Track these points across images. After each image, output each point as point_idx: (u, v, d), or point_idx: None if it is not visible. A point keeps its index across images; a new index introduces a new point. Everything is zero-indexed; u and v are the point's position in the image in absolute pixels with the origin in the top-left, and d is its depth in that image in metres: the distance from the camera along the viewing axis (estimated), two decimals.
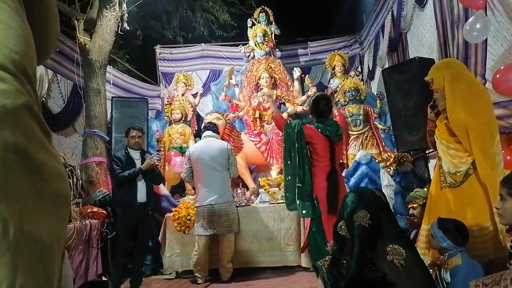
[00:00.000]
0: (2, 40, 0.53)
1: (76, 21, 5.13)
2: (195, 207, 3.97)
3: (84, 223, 3.49)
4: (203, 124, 5.58)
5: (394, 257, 1.79)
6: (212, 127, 4.19)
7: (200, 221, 3.84)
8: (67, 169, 3.19)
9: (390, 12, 6.09)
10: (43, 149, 0.55)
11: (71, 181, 3.19)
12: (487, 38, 3.37)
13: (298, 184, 3.18)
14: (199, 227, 3.86)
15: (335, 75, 6.61)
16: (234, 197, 4.21)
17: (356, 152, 5.17)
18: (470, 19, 3.24)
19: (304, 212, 3.23)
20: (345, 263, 1.93)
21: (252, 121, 5.83)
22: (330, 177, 3.19)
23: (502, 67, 3.06)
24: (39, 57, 0.67)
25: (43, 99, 5.35)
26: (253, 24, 6.89)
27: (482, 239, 2.31)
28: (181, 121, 5.78)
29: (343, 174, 4.84)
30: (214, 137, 4.09)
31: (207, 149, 3.94)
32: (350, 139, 5.49)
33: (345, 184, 4.59)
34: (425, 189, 3.01)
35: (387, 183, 4.11)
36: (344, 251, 2.01)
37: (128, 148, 3.84)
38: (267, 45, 6.56)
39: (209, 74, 7.91)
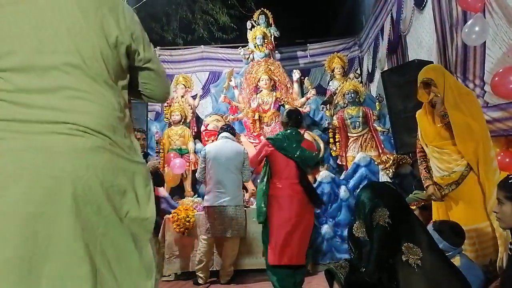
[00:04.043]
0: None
1: None
2: (205, 206, 3.94)
3: None
4: (207, 124, 5.58)
5: (409, 256, 1.63)
6: (230, 129, 4.17)
7: (210, 221, 3.81)
8: None
9: (390, 15, 6.11)
10: None
11: None
12: (485, 41, 3.38)
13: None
14: (209, 227, 3.82)
15: (334, 77, 6.62)
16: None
17: (355, 154, 5.18)
18: (469, 22, 3.25)
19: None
20: (364, 270, 1.72)
21: (251, 123, 5.83)
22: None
23: (501, 70, 3.06)
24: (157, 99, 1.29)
25: None
26: (253, 26, 6.90)
27: (481, 239, 2.32)
28: (181, 122, 5.78)
29: (342, 176, 4.85)
30: (231, 139, 4.07)
31: (224, 150, 3.91)
32: (349, 141, 5.50)
33: (345, 186, 4.60)
34: (424, 192, 3.02)
35: None
36: (362, 256, 1.79)
37: None
38: (266, 47, 6.56)
39: (208, 76, 7.92)
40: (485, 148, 2.39)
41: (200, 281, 3.86)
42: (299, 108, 5.96)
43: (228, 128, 4.19)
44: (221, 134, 4.10)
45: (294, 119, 3.27)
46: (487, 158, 2.39)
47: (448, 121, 2.44)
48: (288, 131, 3.19)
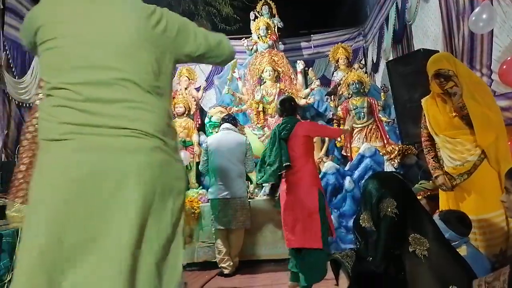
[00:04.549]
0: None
1: None
2: (209, 199, 3.95)
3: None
4: (210, 116, 5.56)
5: (416, 247, 1.63)
6: (232, 119, 4.13)
7: (215, 214, 3.82)
8: None
9: (395, 4, 6.03)
10: None
11: None
12: (493, 29, 3.33)
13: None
14: (215, 221, 3.83)
15: (339, 68, 6.56)
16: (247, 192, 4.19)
17: (360, 145, 5.15)
18: (476, 10, 3.20)
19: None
20: (370, 260, 1.72)
21: (255, 114, 5.81)
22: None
23: (509, 58, 3.03)
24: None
25: None
26: (256, 17, 6.84)
27: (492, 228, 2.30)
28: (184, 115, 5.78)
29: (347, 167, 4.83)
30: (232, 130, 4.02)
31: (225, 142, 3.88)
32: (354, 132, 5.47)
33: (349, 177, 4.58)
34: (431, 182, 3.00)
35: None
36: (368, 247, 1.78)
37: None
38: (270, 38, 6.52)
39: (212, 68, 7.88)
40: (503, 138, 2.37)
41: (226, 271, 3.82)
42: (303, 99, 5.96)
43: (230, 118, 4.14)
44: (222, 126, 4.06)
45: (288, 107, 3.24)
46: (505, 148, 2.37)
47: (466, 113, 2.38)
48: (286, 119, 3.19)
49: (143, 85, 1.19)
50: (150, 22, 1.24)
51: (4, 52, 4.67)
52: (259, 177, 3.34)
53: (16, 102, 4.85)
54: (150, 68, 1.22)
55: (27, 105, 5.03)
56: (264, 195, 4.65)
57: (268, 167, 3.14)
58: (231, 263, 3.86)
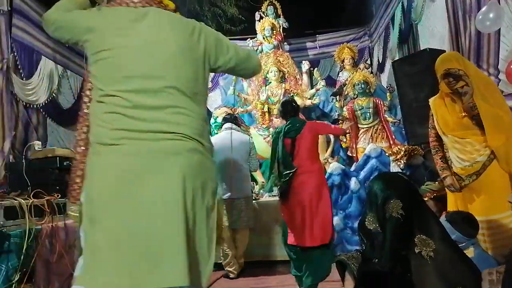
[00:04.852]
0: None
1: None
2: None
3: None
4: (216, 116, 5.57)
5: (422, 248, 1.62)
6: (234, 119, 4.10)
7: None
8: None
9: (401, 3, 6.00)
10: None
11: None
12: (500, 28, 3.30)
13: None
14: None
15: (344, 68, 6.55)
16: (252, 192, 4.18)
17: (365, 145, 5.13)
18: (483, 8, 3.18)
19: None
20: (376, 261, 1.71)
21: (260, 115, 5.82)
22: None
23: None
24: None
25: (53, 94, 5.40)
26: (261, 18, 6.85)
27: (501, 229, 2.28)
28: None
29: (353, 168, 4.82)
30: (235, 129, 3.99)
31: (229, 141, 3.80)
32: (360, 132, 5.46)
33: (355, 178, 4.57)
34: (437, 183, 2.98)
35: None
36: (375, 248, 1.77)
37: None
38: (275, 39, 6.52)
39: None
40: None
41: (232, 275, 3.79)
42: (308, 99, 5.95)
43: (232, 118, 4.12)
44: (225, 125, 4.03)
45: (291, 108, 3.26)
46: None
47: (477, 113, 2.35)
48: (292, 120, 3.20)
49: (185, 92, 1.34)
50: (192, 36, 1.41)
51: (12, 54, 4.71)
52: (271, 183, 3.32)
53: (24, 103, 4.89)
54: (191, 76, 1.37)
55: (35, 106, 5.07)
56: (270, 195, 4.65)
57: (275, 172, 3.15)
58: (237, 267, 3.85)
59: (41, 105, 5.16)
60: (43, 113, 5.26)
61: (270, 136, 5.60)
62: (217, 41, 1.47)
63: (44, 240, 2.44)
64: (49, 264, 2.45)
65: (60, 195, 2.75)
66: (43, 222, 2.49)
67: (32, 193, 2.55)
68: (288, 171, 3.05)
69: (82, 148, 1.43)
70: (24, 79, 4.91)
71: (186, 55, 1.37)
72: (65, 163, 3.04)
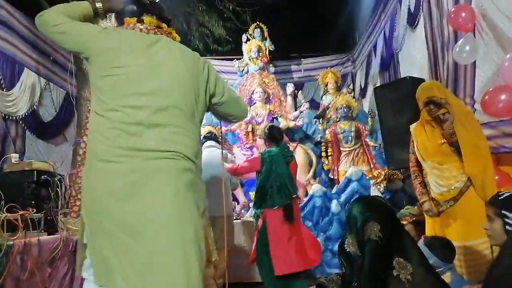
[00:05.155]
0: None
1: None
2: None
3: (70, 233, 3.42)
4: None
5: (400, 271, 1.64)
6: (214, 137, 4.10)
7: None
8: (56, 178, 3.14)
9: (383, 32, 6.22)
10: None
11: (59, 190, 3.14)
12: (475, 60, 3.46)
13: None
14: None
15: (328, 91, 6.68)
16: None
17: (347, 168, 5.20)
18: (460, 41, 3.33)
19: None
20: (356, 285, 1.72)
21: (244, 134, 5.84)
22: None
23: (491, 89, 3.13)
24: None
25: (34, 107, 5.31)
26: (248, 40, 6.97)
27: (477, 255, 2.32)
28: None
29: (334, 190, 4.86)
30: (217, 147, 3.99)
31: (210, 160, 3.79)
32: (342, 155, 5.53)
33: (336, 200, 4.60)
34: (416, 207, 3.03)
35: None
36: (354, 271, 1.78)
37: None
38: (261, 60, 6.62)
39: None
40: (489, 167, 2.42)
41: None
42: (292, 121, 6.02)
43: (212, 135, 4.12)
44: (206, 143, 4.00)
45: (279, 134, 3.43)
46: (491, 177, 2.42)
47: (455, 140, 2.43)
48: (279, 149, 3.29)
49: (186, 112, 1.44)
50: (198, 64, 1.55)
51: None
52: (268, 204, 3.23)
53: (3, 115, 4.78)
54: (193, 99, 1.48)
55: (14, 118, 4.95)
56: (251, 215, 4.62)
57: (278, 191, 3.17)
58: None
59: (20, 117, 5.05)
60: (23, 125, 5.14)
61: (254, 156, 5.61)
62: (217, 75, 1.65)
63: (15, 257, 2.35)
64: (19, 282, 2.35)
65: (35, 210, 2.66)
66: (15, 237, 2.40)
67: (5, 207, 2.46)
68: (294, 195, 3.12)
69: (81, 167, 1.51)
70: (4, 90, 4.81)
71: (192, 79, 1.49)
72: (42, 177, 2.96)
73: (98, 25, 1.52)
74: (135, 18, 1.54)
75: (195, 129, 1.48)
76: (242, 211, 4.76)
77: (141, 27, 1.51)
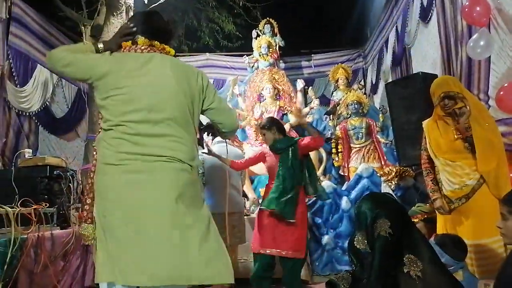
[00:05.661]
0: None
1: (83, 27, 5.19)
2: None
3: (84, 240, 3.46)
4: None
5: (410, 268, 1.64)
6: None
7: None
8: (68, 173, 3.18)
9: (395, 27, 6.14)
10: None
11: (72, 185, 3.18)
12: (490, 56, 3.39)
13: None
14: None
15: (338, 87, 6.63)
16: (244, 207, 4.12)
17: (357, 165, 5.16)
18: (474, 36, 3.27)
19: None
20: (366, 282, 1.72)
21: (254, 131, 5.83)
22: None
23: (506, 84, 3.07)
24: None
25: (47, 103, 5.38)
26: (258, 36, 6.94)
27: (489, 253, 2.28)
28: None
29: (344, 187, 4.83)
30: (227, 142, 3.99)
31: (224, 155, 3.83)
32: (352, 152, 5.49)
33: (346, 197, 4.57)
34: (428, 204, 3.00)
35: None
36: (364, 268, 1.78)
37: None
38: (271, 56, 6.60)
39: (213, 83, 7.94)
40: (503, 164, 2.38)
41: None
42: (302, 117, 5.99)
43: None
44: (216, 139, 3.90)
45: (282, 126, 3.36)
46: (505, 174, 2.38)
47: (470, 135, 2.39)
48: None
49: (181, 123, 1.62)
50: (190, 76, 1.72)
51: (7, 61, 4.70)
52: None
53: (16, 111, 4.86)
54: (186, 110, 1.66)
55: (27, 113, 5.03)
56: None
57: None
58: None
59: (33, 113, 5.13)
60: (35, 121, 5.22)
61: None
62: (210, 84, 1.81)
63: (29, 250, 2.39)
64: (33, 274, 2.40)
65: (48, 205, 2.70)
66: (29, 231, 2.45)
67: (19, 202, 2.51)
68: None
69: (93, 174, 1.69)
70: (18, 86, 4.88)
71: (184, 93, 1.65)
72: (55, 172, 3.00)
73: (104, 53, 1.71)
74: (130, 42, 1.72)
75: (190, 136, 1.67)
76: (252, 207, 4.76)
77: (136, 48, 1.70)
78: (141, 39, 1.72)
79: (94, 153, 1.73)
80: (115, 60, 1.65)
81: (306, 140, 3.11)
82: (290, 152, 3.08)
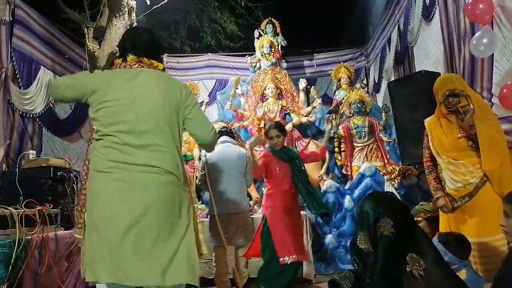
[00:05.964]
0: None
1: (85, 29, 5.22)
2: (209, 215, 3.80)
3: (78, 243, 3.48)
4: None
5: (413, 267, 1.63)
6: (229, 132, 4.02)
7: (216, 230, 3.54)
8: (72, 174, 3.20)
9: (397, 26, 6.12)
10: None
11: (75, 186, 3.20)
12: (493, 53, 3.37)
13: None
14: (215, 237, 3.64)
15: (341, 87, 6.62)
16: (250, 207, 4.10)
17: (360, 164, 5.15)
18: (477, 34, 3.25)
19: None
20: (369, 281, 1.72)
21: (257, 130, 5.83)
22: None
23: (509, 82, 3.06)
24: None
25: (50, 104, 5.41)
26: (260, 35, 6.94)
27: (493, 252, 2.27)
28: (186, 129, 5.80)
29: (347, 186, 4.83)
30: (231, 142, 3.91)
31: (225, 155, 3.74)
32: (355, 151, 5.48)
33: (349, 196, 4.57)
34: (431, 203, 2.99)
35: None
36: (366, 267, 1.78)
37: None
38: (273, 56, 6.60)
39: (215, 83, 7.96)
40: (507, 162, 2.37)
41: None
42: (305, 117, 5.99)
43: (227, 130, 4.04)
44: (221, 138, 3.86)
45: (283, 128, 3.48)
46: (509, 172, 2.37)
47: (474, 133, 2.38)
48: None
49: (165, 133, 1.74)
50: (174, 89, 1.83)
51: (11, 63, 4.73)
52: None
53: (20, 113, 4.88)
54: (170, 121, 1.77)
55: (31, 115, 5.06)
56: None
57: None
58: (229, 285, 3.76)
59: (37, 114, 5.16)
60: (39, 122, 5.24)
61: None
62: (192, 98, 1.92)
63: (33, 251, 2.41)
64: (37, 275, 2.41)
65: (52, 206, 2.72)
66: (33, 232, 2.46)
67: (24, 203, 2.52)
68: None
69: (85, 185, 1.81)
70: (22, 88, 4.91)
71: (168, 105, 1.77)
72: (58, 173, 3.02)
73: (95, 71, 1.91)
74: (121, 59, 1.89)
75: (174, 146, 1.78)
76: (255, 207, 4.76)
77: (125, 64, 1.85)
78: (130, 56, 1.87)
79: (86, 161, 1.87)
80: (105, 76, 1.81)
81: (306, 154, 3.61)
82: (297, 161, 3.38)
